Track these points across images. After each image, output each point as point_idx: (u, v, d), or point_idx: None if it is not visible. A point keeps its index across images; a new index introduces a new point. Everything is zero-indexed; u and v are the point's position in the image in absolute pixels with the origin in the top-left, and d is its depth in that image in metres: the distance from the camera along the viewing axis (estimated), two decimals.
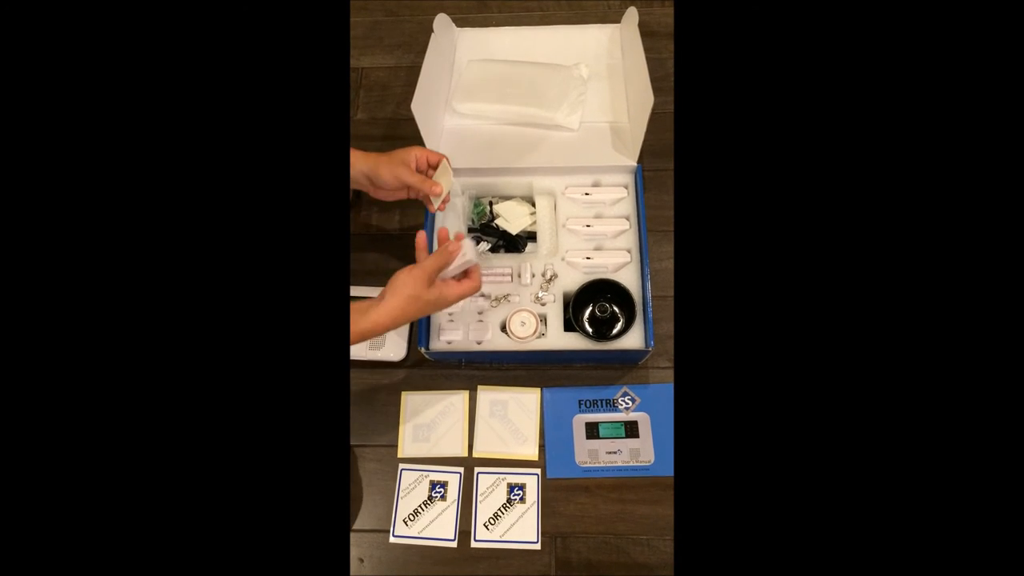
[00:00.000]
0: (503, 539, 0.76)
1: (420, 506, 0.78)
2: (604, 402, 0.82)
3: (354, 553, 0.77)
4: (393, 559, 0.77)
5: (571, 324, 0.80)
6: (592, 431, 0.81)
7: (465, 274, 0.72)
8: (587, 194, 0.88)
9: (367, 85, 1.06)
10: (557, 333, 0.81)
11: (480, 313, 0.83)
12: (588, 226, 0.86)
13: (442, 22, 0.94)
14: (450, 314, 0.83)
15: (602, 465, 0.79)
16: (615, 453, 0.79)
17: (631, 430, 0.80)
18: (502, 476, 0.79)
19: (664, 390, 0.82)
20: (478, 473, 0.80)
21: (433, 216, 0.86)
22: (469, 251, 0.70)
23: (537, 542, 0.76)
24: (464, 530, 0.77)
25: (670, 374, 0.83)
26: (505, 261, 0.85)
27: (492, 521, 0.77)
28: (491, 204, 0.90)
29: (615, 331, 0.79)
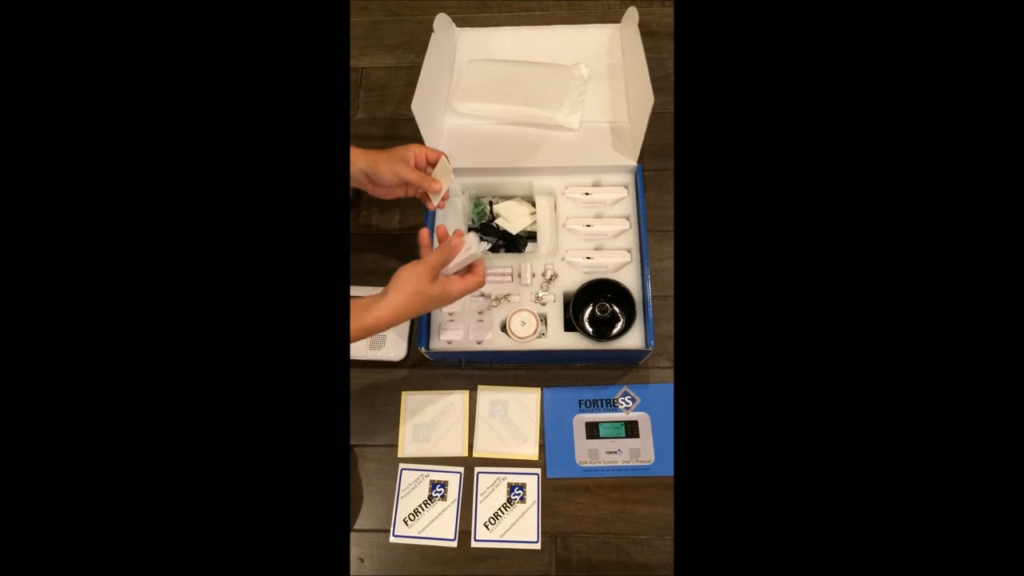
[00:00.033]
0: (503, 539, 0.76)
1: (420, 506, 0.78)
2: (604, 402, 0.82)
3: (354, 553, 0.77)
4: (393, 559, 0.77)
5: (571, 324, 0.80)
6: (592, 431, 0.81)
7: (468, 269, 0.72)
8: (587, 194, 0.88)
9: (367, 85, 1.06)
10: (557, 333, 0.81)
11: (480, 313, 0.83)
12: (588, 226, 0.86)
13: (442, 22, 0.94)
14: (450, 314, 0.83)
15: (602, 465, 0.79)
16: (615, 453, 0.79)
17: (631, 430, 0.80)
18: (502, 476, 0.79)
19: (664, 390, 0.82)
20: (478, 473, 0.80)
21: (433, 215, 0.86)
22: (474, 245, 0.70)
23: (537, 542, 0.76)
24: (464, 530, 0.77)
25: (670, 374, 0.83)
26: (505, 261, 0.85)
27: (492, 521, 0.77)
28: (491, 204, 0.90)
29: (615, 331, 0.79)
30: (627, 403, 0.82)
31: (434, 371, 0.85)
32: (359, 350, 0.84)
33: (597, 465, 0.79)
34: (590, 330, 0.79)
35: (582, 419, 0.81)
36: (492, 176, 0.90)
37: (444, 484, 0.79)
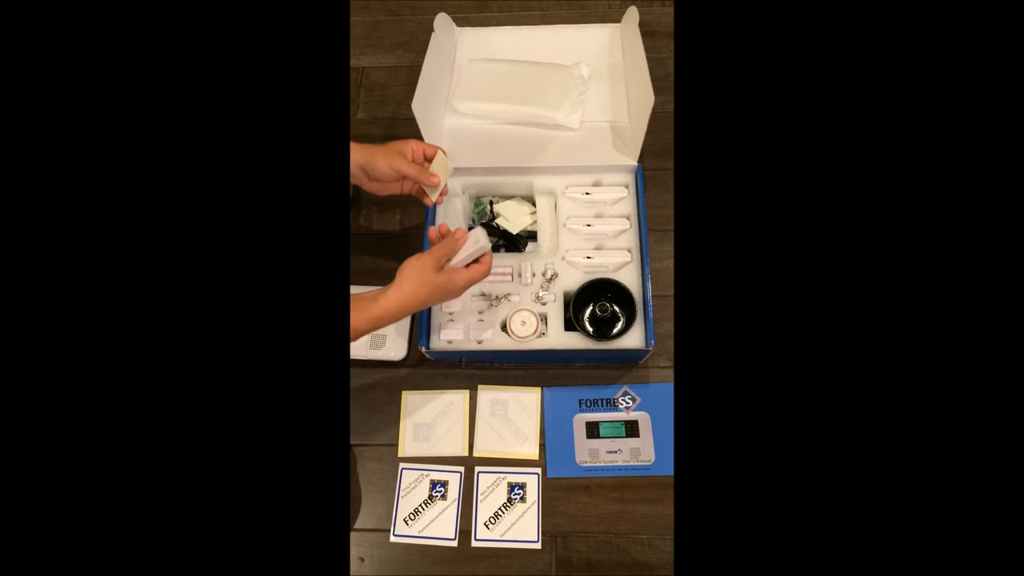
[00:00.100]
0: (504, 538, 0.76)
1: (420, 505, 0.78)
2: (604, 401, 0.82)
3: (355, 552, 0.77)
4: (394, 558, 0.77)
5: (571, 323, 0.80)
6: (592, 430, 0.81)
7: (474, 261, 0.72)
8: (587, 193, 0.88)
9: (368, 84, 1.06)
10: (557, 332, 0.81)
11: (480, 312, 0.83)
12: (589, 225, 0.86)
13: (443, 21, 0.94)
14: (451, 313, 0.83)
15: (602, 464, 0.79)
16: (615, 452, 0.79)
17: (631, 429, 0.80)
18: (502, 475, 0.79)
19: (664, 389, 0.82)
20: (478, 472, 0.80)
21: (434, 214, 0.86)
22: (482, 238, 0.71)
23: (537, 541, 0.76)
24: (465, 529, 0.77)
25: (670, 374, 0.83)
26: (505, 260, 0.85)
27: (493, 520, 0.77)
28: (491, 203, 0.90)
29: (615, 330, 0.79)
30: (627, 403, 0.82)
31: (434, 371, 0.85)
32: (359, 349, 0.84)
33: (597, 465, 0.79)
34: (590, 330, 0.79)
35: (582, 419, 0.81)
36: (492, 176, 0.90)
37: (444, 484, 0.79)
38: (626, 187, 0.88)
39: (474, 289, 0.83)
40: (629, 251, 0.84)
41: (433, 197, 0.80)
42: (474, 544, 0.76)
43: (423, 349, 0.79)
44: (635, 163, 0.87)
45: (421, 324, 0.80)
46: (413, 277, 0.67)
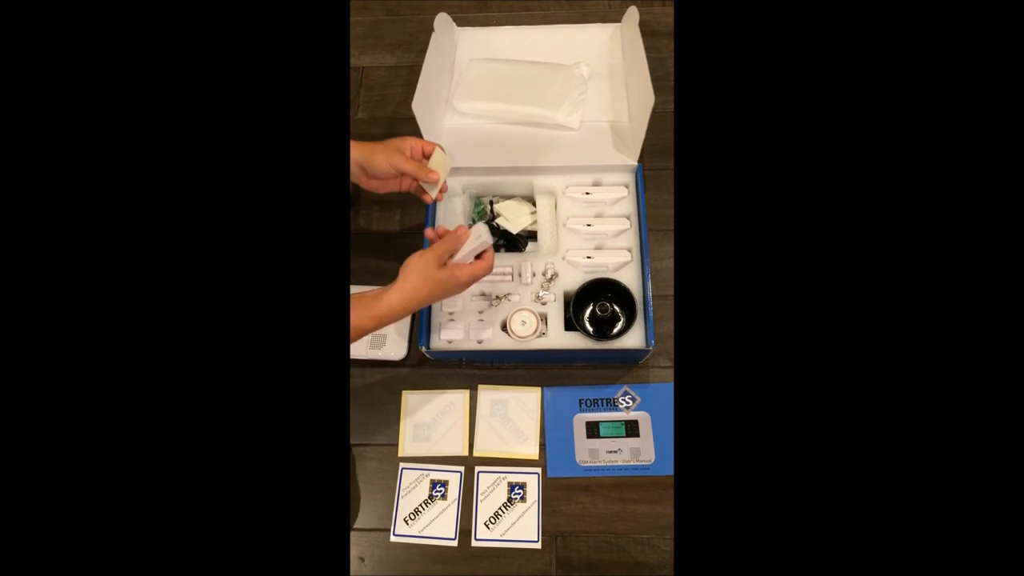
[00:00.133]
0: (504, 538, 0.76)
1: (421, 505, 0.78)
2: (605, 401, 0.82)
3: (355, 552, 0.77)
4: (394, 558, 0.77)
5: (572, 323, 0.80)
6: (592, 430, 0.81)
7: (476, 257, 0.72)
8: (588, 193, 0.88)
9: (368, 84, 1.06)
10: (558, 332, 0.81)
11: (481, 312, 0.83)
12: (589, 225, 0.86)
13: (443, 21, 0.94)
14: (451, 313, 0.83)
15: (602, 464, 0.79)
16: (615, 452, 0.79)
17: (631, 429, 0.80)
18: (503, 475, 0.79)
19: (664, 389, 0.82)
20: (479, 472, 0.80)
21: (434, 213, 0.86)
22: (484, 234, 0.70)
23: (538, 541, 0.76)
24: (465, 529, 0.77)
25: (671, 373, 0.83)
26: (506, 260, 0.85)
27: (493, 520, 0.77)
28: (491, 203, 0.90)
29: (616, 330, 0.79)
30: (627, 402, 0.82)
31: (434, 370, 0.85)
32: (359, 349, 0.84)
33: (597, 464, 0.79)
34: (590, 329, 0.79)
35: (582, 418, 0.81)
36: (492, 175, 0.90)
37: (444, 483, 0.79)
38: (626, 187, 0.88)
39: (474, 289, 0.83)
40: (629, 251, 0.84)
41: (433, 194, 0.79)
42: (474, 544, 0.76)
43: (423, 349, 0.80)
44: (635, 163, 0.87)
45: (421, 324, 0.80)
46: (416, 274, 0.67)
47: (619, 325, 0.79)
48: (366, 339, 0.84)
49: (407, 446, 0.82)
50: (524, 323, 0.81)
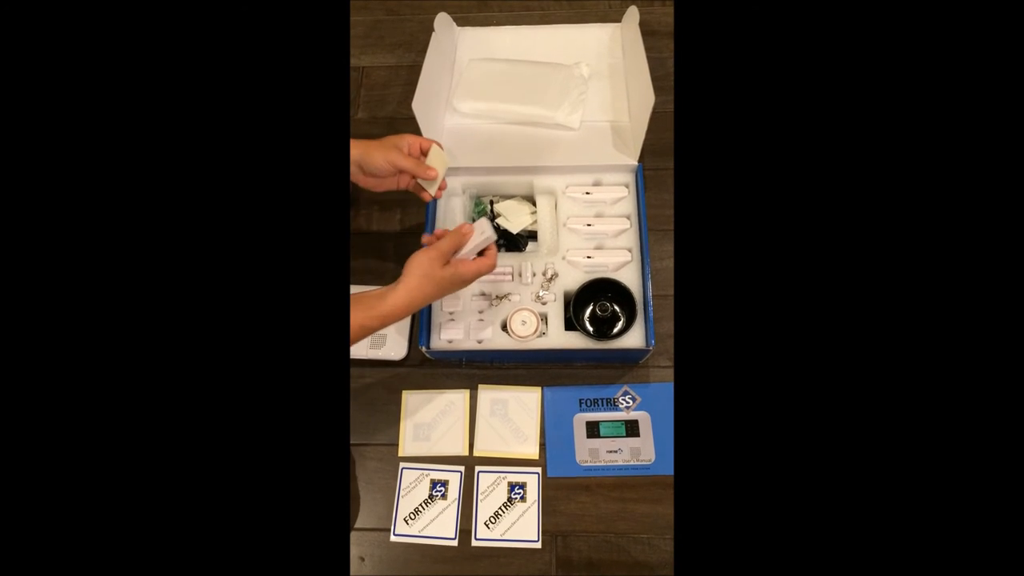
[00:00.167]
0: (504, 538, 0.76)
1: (421, 505, 0.78)
2: (605, 401, 0.82)
3: (355, 552, 0.77)
4: (394, 558, 0.77)
5: (572, 323, 0.80)
6: (593, 430, 0.81)
7: (479, 253, 0.72)
8: (588, 193, 0.88)
9: (368, 84, 1.06)
10: (558, 332, 0.81)
11: (481, 312, 0.83)
12: (589, 225, 0.86)
13: (443, 21, 0.94)
14: (451, 313, 0.83)
15: (603, 464, 0.79)
16: (616, 452, 0.79)
17: (632, 429, 0.80)
18: (503, 475, 0.79)
19: (665, 389, 0.82)
20: (479, 472, 0.80)
21: (434, 212, 0.86)
22: (487, 229, 0.70)
23: (538, 541, 0.76)
24: (465, 529, 0.77)
25: (671, 373, 0.83)
26: (506, 260, 0.85)
27: (493, 520, 0.77)
28: (492, 203, 0.90)
29: (616, 330, 0.79)
30: (627, 402, 0.82)
31: (434, 370, 0.85)
32: (359, 349, 0.84)
33: (597, 464, 0.79)
34: (590, 329, 0.79)
35: (582, 418, 0.81)
36: (493, 175, 0.90)
37: (444, 483, 0.79)
38: (626, 187, 0.88)
39: (474, 288, 0.83)
40: (629, 251, 0.84)
41: (431, 191, 0.79)
42: (474, 543, 0.76)
43: (423, 349, 0.80)
44: (635, 163, 0.87)
45: (421, 324, 0.80)
46: (420, 273, 0.66)
47: (619, 325, 0.79)
48: (366, 339, 0.84)
49: (407, 446, 0.82)
50: (524, 323, 0.81)
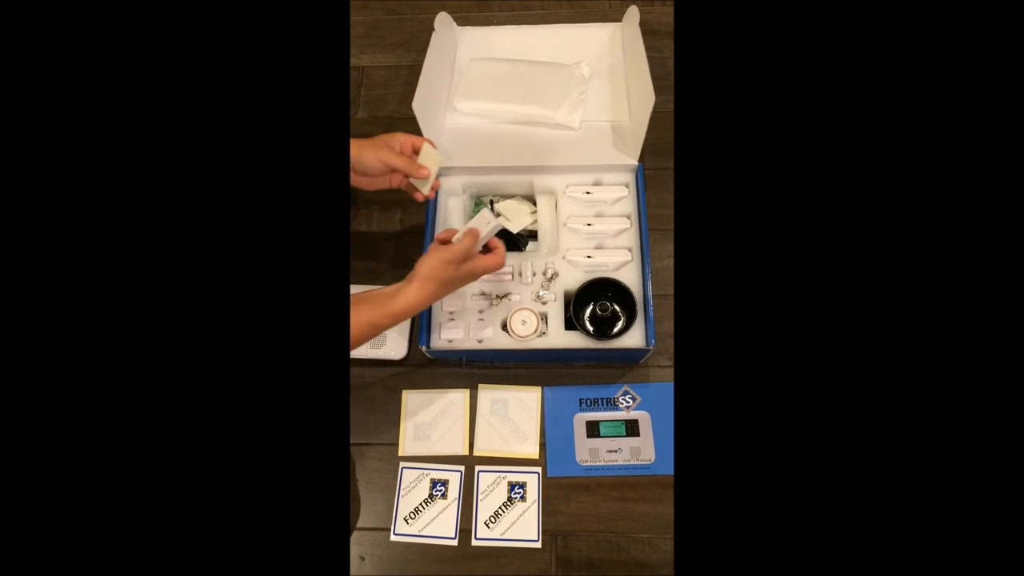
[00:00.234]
0: (504, 537, 0.76)
1: (421, 504, 0.78)
2: (605, 401, 0.82)
3: (355, 551, 0.77)
4: (394, 557, 0.77)
5: (572, 323, 0.80)
6: (593, 430, 0.81)
7: (486, 248, 0.72)
8: (588, 193, 0.88)
9: (368, 84, 1.06)
10: (558, 332, 0.81)
11: (481, 312, 0.83)
12: (589, 225, 0.86)
13: (443, 21, 0.94)
14: (451, 312, 0.83)
15: (603, 464, 0.79)
16: (616, 452, 0.79)
17: (632, 429, 0.80)
18: (503, 474, 0.79)
19: (665, 389, 0.82)
20: (479, 471, 0.80)
21: (434, 213, 0.86)
22: (492, 219, 0.70)
23: (538, 540, 0.76)
24: (465, 528, 0.77)
25: (671, 373, 0.83)
26: (506, 259, 0.85)
27: (493, 519, 0.77)
28: (492, 203, 0.90)
29: (616, 330, 0.79)
30: (627, 402, 0.82)
31: (435, 370, 0.85)
32: (360, 349, 0.84)
33: (597, 464, 0.79)
34: (591, 329, 0.79)
35: (582, 418, 0.81)
36: (493, 175, 0.90)
37: (445, 483, 0.79)
38: (626, 186, 0.88)
39: (474, 287, 0.83)
40: (629, 250, 0.84)
41: (424, 190, 0.79)
42: (474, 543, 0.76)
43: (423, 348, 0.80)
44: (635, 162, 0.87)
45: (421, 323, 0.80)
46: (432, 274, 0.67)
47: (619, 324, 0.79)
48: None
49: (407, 445, 0.82)
50: (524, 322, 0.81)
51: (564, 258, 0.84)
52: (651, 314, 0.78)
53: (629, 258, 0.84)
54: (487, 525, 0.77)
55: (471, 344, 0.81)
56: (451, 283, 0.68)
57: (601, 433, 0.80)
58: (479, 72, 0.97)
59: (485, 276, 0.74)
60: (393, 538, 0.77)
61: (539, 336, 0.80)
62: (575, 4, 1.10)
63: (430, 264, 0.67)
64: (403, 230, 0.94)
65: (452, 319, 0.83)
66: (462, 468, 0.80)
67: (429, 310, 0.80)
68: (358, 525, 0.78)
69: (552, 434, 0.81)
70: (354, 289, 0.85)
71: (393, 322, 0.66)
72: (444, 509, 0.78)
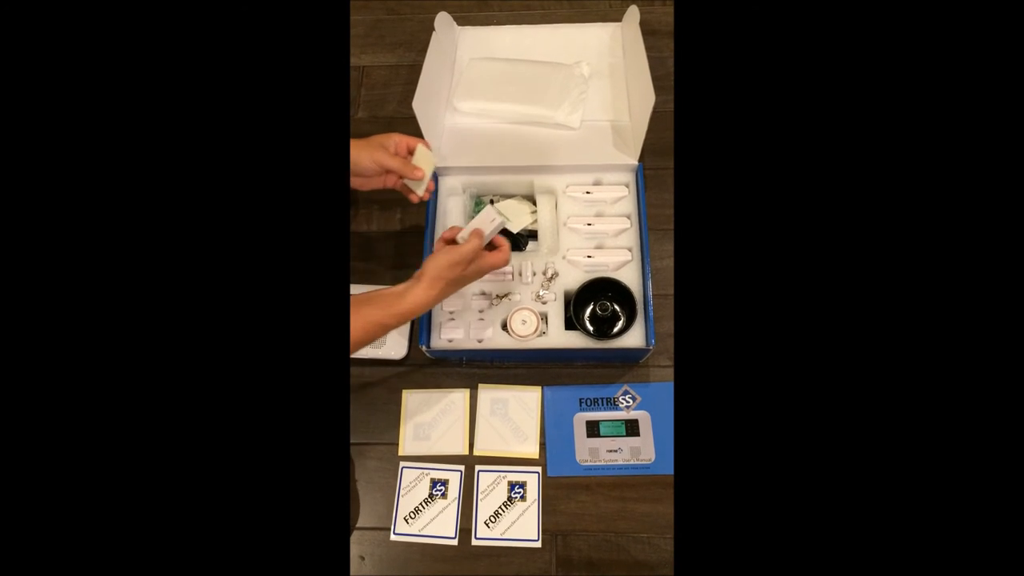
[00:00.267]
0: (504, 537, 0.76)
1: (421, 504, 0.78)
2: (605, 400, 0.82)
3: (355, 551, 0.77)
4: (394, 557, 0.77)
5: (572, 322, 0.80)
6: (593, 429, 0.81)
7: (491, 246, 0.72)
8: (588, 192, 0.88)
9: (368, 84, 1.06)
10: (558, 331, 0.81)
11: (481, 311, 0.83)
12: (589, 224, 0.86)
13: (443, 20, 0.94)
14: (451, 312, 0.83)
15: (603, 463, 0.79)
16: (616, 451, 0.79)
17: (632, 428, 0.80)
18: (503, 474, 0.79)
19: (665, 388, 0.82)
20: (479, 471, 0.80)
21: (434, 213, 0.86)
22: (496, 216, 0.70)
23: (538, 540, 0.76)
24: (465, 528, 0.77)
25: (671, 373, 0.83)
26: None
27: (493, 519, 0.77)
28: (492, 202, 0.90)
29: (616, 330, 0.79)
30: (628, 402, 0.82)
31: (435, 369, 0.85)
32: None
33: (597, 463, 0.79)
34: (591, 329, 0.79)
35: (583, 417, 0.81)
36: (493, 175, 0.90)
37: (445, 482, 0.79)
38: (626, 186, 0.88)
39: (474, 287, 0.83)
40: (629, 250, 0.84)
41: (419, 191, 0.79)
42: (474, 543, 0.76)
43: (423, 348, 0.80)
44: (635, 162, 0.87)
45: (422, 323, 0.80)
46: (439, 275, 0.67)
47: (619, 324, 0.79)
48: None
49: (407, 445, 0.82)
50: (524, 322, 0.81)
51: (564, 258, 0.85)
52: (651, 314, 0.78)
53: (629, 258, 0.84)
54: (487, 525, 0.77)
55: (471, 344, 0.81)
56: (458, 282, 0.69)
57: (601, 433, 0.80)
58: (479, 72, 0.97)
59: (485, 276, 0.74)
60: (393, 538, 0.77)
61: (539, 336, 0.80)
62: (575, 4, 1.10)
63: (438, 264, 0.67)
64: (403, 230, 0.94)
65: (452, 319, 0.83)
66: (462, 468, 0.80)
67: (429, 310, 0.80)
68: (358, 525, 0.78)
69: (552, 434, 0.81)
70: (354, 289, 0.86)
71: (401, 321, 0.67)
72: (444, 509, 0.78)
